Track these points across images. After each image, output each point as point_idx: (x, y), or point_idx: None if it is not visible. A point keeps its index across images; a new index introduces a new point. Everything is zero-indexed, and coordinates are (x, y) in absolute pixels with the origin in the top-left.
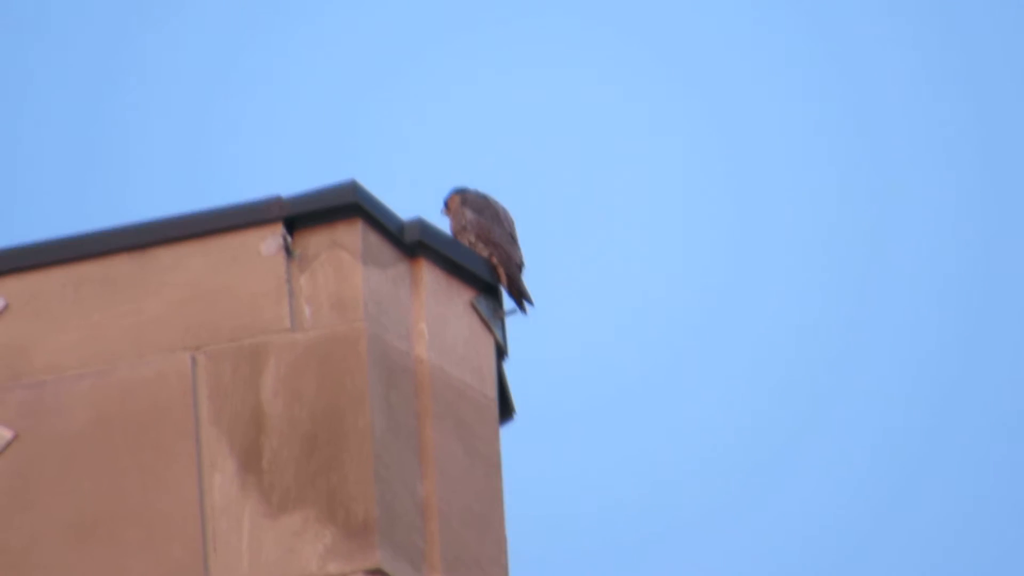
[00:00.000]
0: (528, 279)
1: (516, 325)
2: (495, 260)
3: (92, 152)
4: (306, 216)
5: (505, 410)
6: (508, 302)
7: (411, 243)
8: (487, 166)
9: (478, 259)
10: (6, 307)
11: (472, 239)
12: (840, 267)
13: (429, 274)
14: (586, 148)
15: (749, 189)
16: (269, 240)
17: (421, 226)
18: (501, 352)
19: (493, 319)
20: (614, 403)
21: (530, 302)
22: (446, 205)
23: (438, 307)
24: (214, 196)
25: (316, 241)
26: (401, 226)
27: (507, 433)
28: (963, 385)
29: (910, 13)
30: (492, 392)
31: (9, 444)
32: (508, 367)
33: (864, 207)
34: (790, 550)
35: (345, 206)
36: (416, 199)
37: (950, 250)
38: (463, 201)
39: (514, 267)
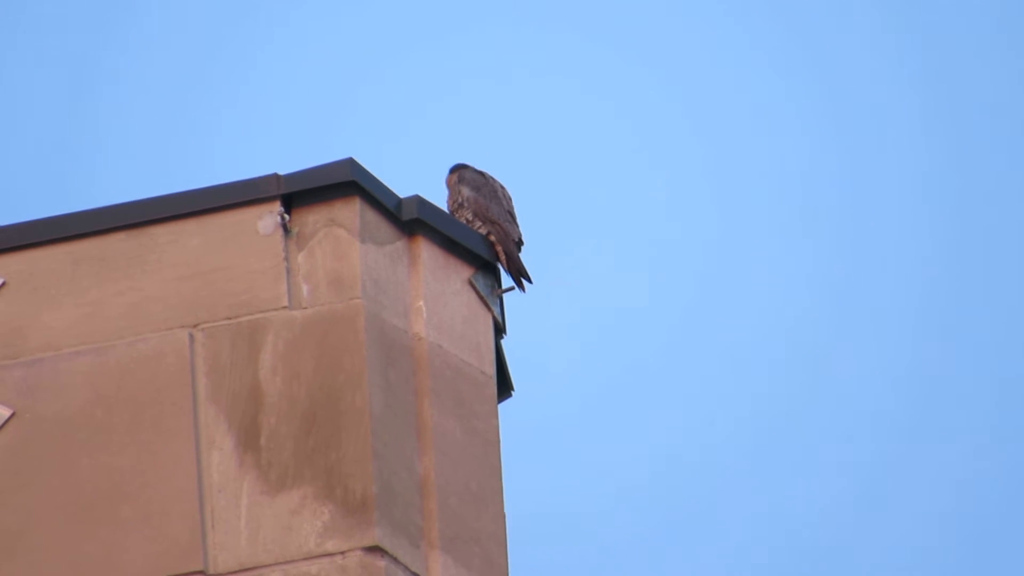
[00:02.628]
0: (526, 257)
1: (514, 302)
2: (493, 238)
3: (90, 130)
4: (304, 194)
5: (503, 388)
6: (506, 279)
7: (409, 220)
8: (486, 144)
9: (476, 236)
10: (3, 285)
11: (470, 216)
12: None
13: (427, 251)
14: (589, 132)
15: (740, 186)
16: (267, 218)
17: (419, 203)
18: (499, 330)
19: (491, 297)
20: (611, 383)
21: (528, 280)
22: (448, 183)
23: (436, 284)
24: (212, 174)
25: (314, 219)
26: (399, 203)
27: (505, 411)
28: (943, 384)
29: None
30: (490, 369)
31: (7, 422)
32: (506, 344)
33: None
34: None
35: (342, 184)
36: (414, 176)
37: (929, 248)
38: (460, 179)
39: (512, 245)
